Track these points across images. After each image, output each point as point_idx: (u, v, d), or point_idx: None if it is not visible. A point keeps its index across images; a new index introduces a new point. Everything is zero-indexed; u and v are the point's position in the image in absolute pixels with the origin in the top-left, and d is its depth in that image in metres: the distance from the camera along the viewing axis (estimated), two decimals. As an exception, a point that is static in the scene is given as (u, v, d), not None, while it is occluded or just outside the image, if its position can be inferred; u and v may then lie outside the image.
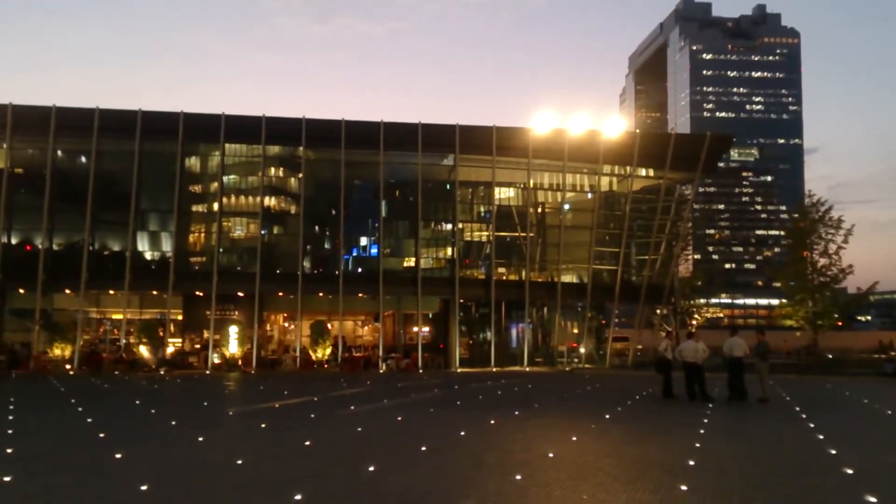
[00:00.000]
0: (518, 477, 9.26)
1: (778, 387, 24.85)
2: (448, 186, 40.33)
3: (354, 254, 41.71)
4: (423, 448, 11.41)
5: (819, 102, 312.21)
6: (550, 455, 10.95)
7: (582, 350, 41.55)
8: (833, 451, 11.43)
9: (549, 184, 41.91)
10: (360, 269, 41.47)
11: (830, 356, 55.54)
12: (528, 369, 38.40)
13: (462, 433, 13.19)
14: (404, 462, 10.45)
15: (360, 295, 40.14)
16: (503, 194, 41.70)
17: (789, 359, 51.57)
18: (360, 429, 13.93)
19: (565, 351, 41.54)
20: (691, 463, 10.31)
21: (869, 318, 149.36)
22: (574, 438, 12.70)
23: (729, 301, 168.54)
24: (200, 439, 12.78)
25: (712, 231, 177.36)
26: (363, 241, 41.65)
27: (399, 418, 15.82)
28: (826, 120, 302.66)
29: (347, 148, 37.35)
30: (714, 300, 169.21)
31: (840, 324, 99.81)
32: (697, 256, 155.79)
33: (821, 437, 13.05)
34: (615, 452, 11.56)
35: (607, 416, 16.10)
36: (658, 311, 44.77)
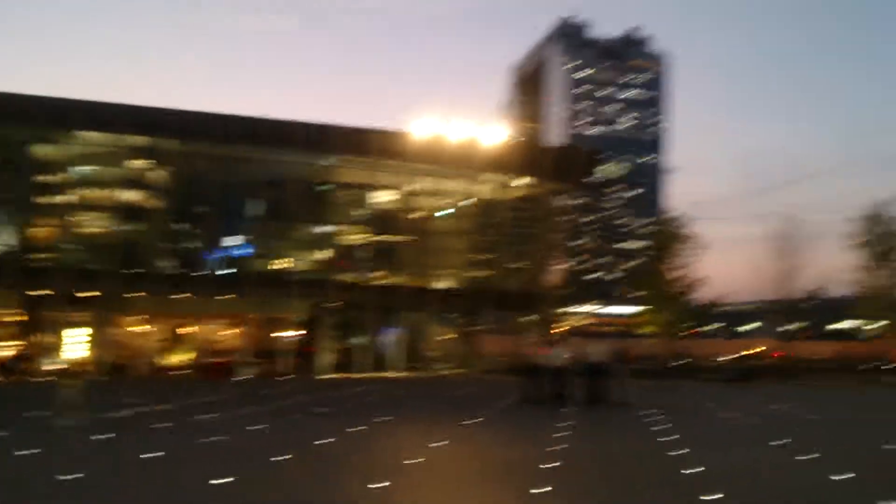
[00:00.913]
0: (386, 483, 9.10)
1: (638, 391, 25.89)
2: (324, 187, 39.70)
3: (222, 254, 40.07)
4: (288, 456, 11.01)
5: (682, 123, 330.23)
6: (420, 460, 10.93)
7: (454, 355, 41.84)
8: (677, 452, 11.95)
9: (427, 189, 42.07)
10: (226, 270, 39.93)
11: (683, 362, 58.80)
12: (400, 375, 38.29)
13: (329, 440, 12.89)
14: (265, 471, 10.02)
15: (226, 297, 38.59)
16: (381, 198, 41.49)
17: (647, 364, 54.12)
18: (213, 438, 13.24)
19: (440, 356, 41.69)
20: (548, 465, 10.49)
21: (718, 326, 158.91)
22: (444, 443, 12.70)
23: (595, 310, 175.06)
24: (20, 453, 11.23)
25: (582, 241, 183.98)
26: (232, 240, 40.13)
27: (260, 426, 15.25)
28: (688, 139, 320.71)
29: (220, 143, 35.93)
30: (582, 308, 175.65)
31: (696, 332, 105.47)
32: (568, 266, 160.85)
33: (668, 438, 13.63)
34: (482, 455, 11.65)
35: (477, 420, 16.20)
36: (530, 318, 45.84)
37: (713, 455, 12.08)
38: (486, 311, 43.03)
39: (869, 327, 64.10)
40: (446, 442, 12.90)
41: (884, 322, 61.79)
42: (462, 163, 39.75)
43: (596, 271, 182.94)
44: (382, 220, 40.84)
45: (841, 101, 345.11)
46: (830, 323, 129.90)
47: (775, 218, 59.29)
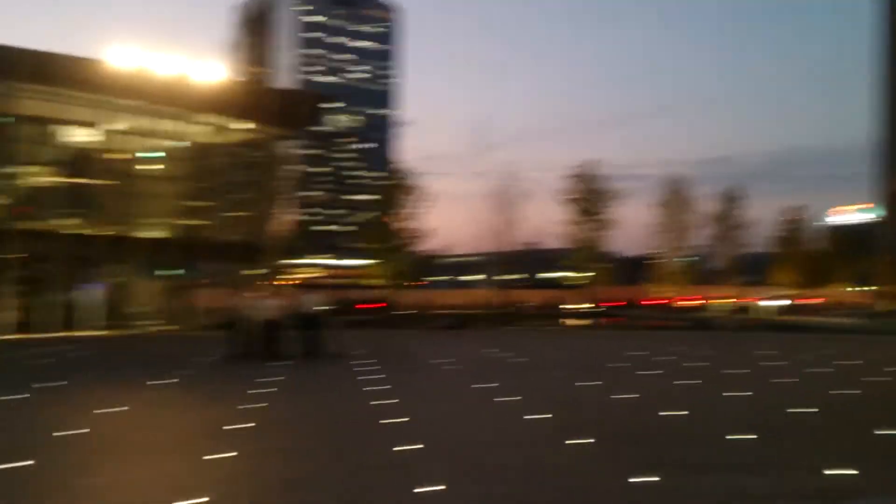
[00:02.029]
0: (28, 462, 7.41)
1: (356, 342, 25.55)
2: (1, 119, 34.07)
3: None
4: None
5: (416, 77, 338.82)
6: (82, 431, 9.37)
7: (164, 310, 38.69)
8: (387, 401, 11.50)
9: (132, 128, 37.94)
10: None
11: (407, 311, 60.54)
12: (98, 334, 34.51)
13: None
14: None
15: None
16: (74, 136, 36.64)
17: (371, 315, 54.87)
18: None
19: (147, 312, 38.29)
20: (246, 425, 9.47)
21: (445, 277, 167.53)
22: (120, 409, 11.07)
23: (327, 261, 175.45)
24: None
25: (313, 193, 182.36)
26: None
27: None
28: (421, 94, 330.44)
29: None
30: (313, 260, 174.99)
31: (424, 283, 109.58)
32: (298, 217, 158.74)
33: (380, 388, 13.20)
34: (167, 422, 10.29)
35: (173, 381, 14.55)
36: (255, 270, 43.81)
37: (420, 405, 11.86)
38: (201, 263, 40.16)
39: (577, 276, 70.56)
40: (125, 408, 11.24)
41: (589, 273, 68.55)
42: (173, 100, 36.18)
43: (327, 223, 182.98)
44: (77, 161, 36.17)
45: (565, 66, 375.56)
46: (545, 273, 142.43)
47: (497, 174, 62.57)
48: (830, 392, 13.07)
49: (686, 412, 10.60)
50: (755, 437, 8.70)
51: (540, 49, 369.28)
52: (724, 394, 12.71)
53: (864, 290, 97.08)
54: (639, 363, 18.51)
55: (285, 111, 39.98)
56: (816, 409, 10.90)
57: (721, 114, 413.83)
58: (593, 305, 67.76)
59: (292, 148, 46.05)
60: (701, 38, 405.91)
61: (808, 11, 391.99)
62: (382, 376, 15.21)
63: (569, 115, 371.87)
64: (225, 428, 9.49)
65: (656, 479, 6.75)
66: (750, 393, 12.76)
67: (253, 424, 9.63)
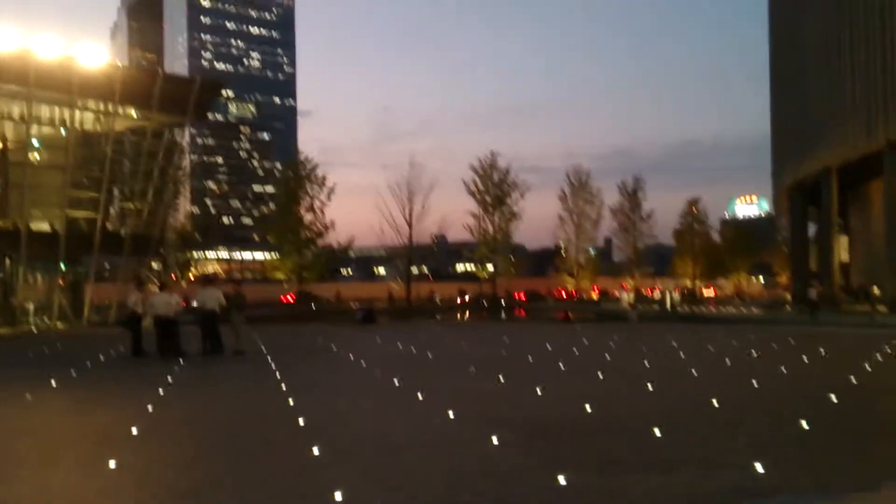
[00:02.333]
0: None
1: (259, 337, 24.64)
2: None
3: None
4: None
5: (314, 67, 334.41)
6: None
7: (53, 307, 36.44)
8: (291, 401, 10.89)
9: (11, 113, 35.46)
10: None
11: (313, 306, 59.51)
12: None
13: None
14: None
15: None
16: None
17: (275, 310, 53.64)
18: None
19: (34, 309, 35.93)
20: (134, 431, 8.67)
21: (351, 271, 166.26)
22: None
23: (227, 255, 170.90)
24: None
25: (211, 184, 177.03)
26: None
27: None
28: (321, 84, 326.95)
29: None
30: (211, 254, 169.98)
31: (335, 277, 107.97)
32: (196, 210, 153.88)
33: (284, 387, 12.57)
34: (42, 428, 9.37)
35: (54, 383, 13.45)
36: (150, 265, 41.89)
37: (324, 402, 11.31)
38: (92, 257, 38.00)
39: (485, 269, 70.85)
40: (10, 409, 10.23)
41: (495, 265, 69.02)
42: (56, 85, 34.00)
43: (228, 215, 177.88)
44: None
45: (466, 58, 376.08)
46: (452, 265, 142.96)
47: (401, 166, 62.17)
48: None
49: (595, 405, 10.48)
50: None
51: (442, 40, 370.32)
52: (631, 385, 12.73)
53: (759, 281, 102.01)
54: (546, 356, 18.50)
55: (176, 98, 38.18)
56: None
57: (620, 108, 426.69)
58: (499, 298, 68.34)
59: (186, 137, 44.11)
60: (600, 33, 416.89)
61: (709, 4, 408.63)
62: (285, 373, 14.56)
63: (471, 106, 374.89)
64: (109, 433, 8.72)
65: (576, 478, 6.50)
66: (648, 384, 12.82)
67: (139, 428, 8.86)
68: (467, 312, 60.22)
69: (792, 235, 64.54)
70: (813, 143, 53.27)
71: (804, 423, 8.69)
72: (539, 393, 11.72)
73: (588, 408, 10.08)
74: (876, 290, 39.49)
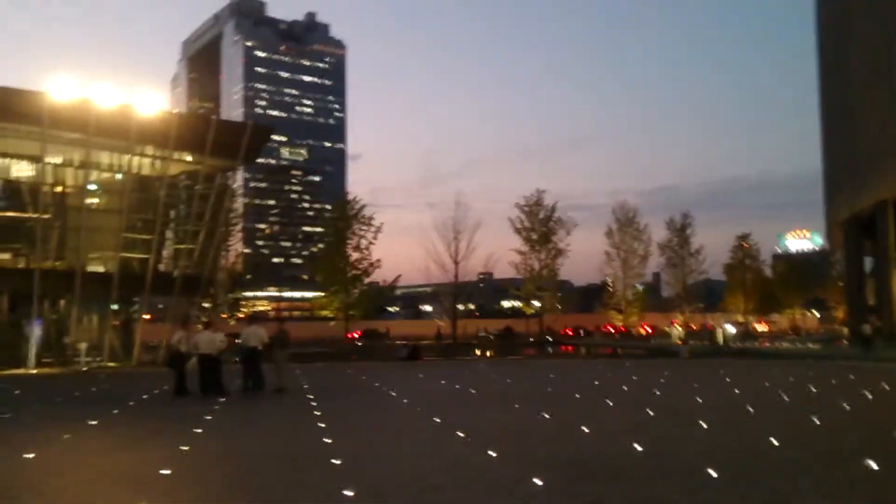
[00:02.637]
0: None
1: (303, 375, 24.51)
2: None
3: None
4: None
5: (363, 111, 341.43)
6: None
7: (104, 346, 36.96)
8: (330, 440, 10.61)
9: (71, 160, 36.48)
10: None
11: (361, 342, 59.48)
12: (34, 371, 32.72)
13: None
14: None
15: None
16: (11, 167, 35.15)
17: (324, 347, 53.72)
18: None
19: (87, 348, 36.46)
20: (166, 471, 8.46)
21: (398, 308, 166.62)
22: (29, 456, 9.87)
23: (276, 294, 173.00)
24: None
25: (262, 226, 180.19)
26: None
27: None
28: (369, 128, 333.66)
29: None
30: (262, 293, 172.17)
31: (381, 313, 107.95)
32: (247, 250, 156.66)
33: (323, 425, 12.31)
34: (75, 467, 9.22)
35: (94, 422, 13.39)
36: (200, 304, 42.39)
37: (365, 441, 10.99)
38: (143, 297, 38.62)
39: (531, 306, 70.04)
40: (50, 448, 10.13)
41: (541, 302, 68.21)
42: (113, 133, 34.94)
43: (279, 255, 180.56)
44: (16, 193, 34.62)
45: (510, 96, 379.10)
46: (497, 302, 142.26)
47: (447, 205, 62.23)
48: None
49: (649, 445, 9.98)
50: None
51: (486, 80, 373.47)
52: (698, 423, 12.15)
53: (814, 315, 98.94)
54: (593, 392, 17.95)
55: (227, 142, 38.88)
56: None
57: (666, 145, 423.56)
58: (546, 334, 67.48)
59: (237, 180, 44.87)
60: (646, 69, 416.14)
61: (754, 41, 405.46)
62: (325, 411, 14.31)
63: (515, 144, 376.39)
64: (141, 472, 8.55)
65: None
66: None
67: (172, 467, 8.67)
68: (516, 348, 59.49)
69: (847, 269, 62.42)
70: (867, 175, 51.71)
71: (871, 463, 8.09)
72: (586, 431, 11.25)
73: (637, 447, 9.59)
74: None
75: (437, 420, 12.82)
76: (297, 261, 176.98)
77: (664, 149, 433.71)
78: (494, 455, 9.14)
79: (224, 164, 40.91)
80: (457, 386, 20.44)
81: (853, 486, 7.43)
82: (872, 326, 39.36)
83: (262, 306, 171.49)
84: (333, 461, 8.92)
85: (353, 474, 8.10)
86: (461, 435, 10.99)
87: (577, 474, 8.18)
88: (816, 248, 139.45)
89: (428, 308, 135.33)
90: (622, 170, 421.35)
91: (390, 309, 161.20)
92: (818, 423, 11.81)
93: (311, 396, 17.59)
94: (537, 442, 10.57)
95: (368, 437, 11.50)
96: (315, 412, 14.33)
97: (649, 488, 7.49)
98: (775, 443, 9.74)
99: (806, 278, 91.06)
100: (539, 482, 7.58)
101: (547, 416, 13.17)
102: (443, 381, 22.10)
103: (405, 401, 16.51)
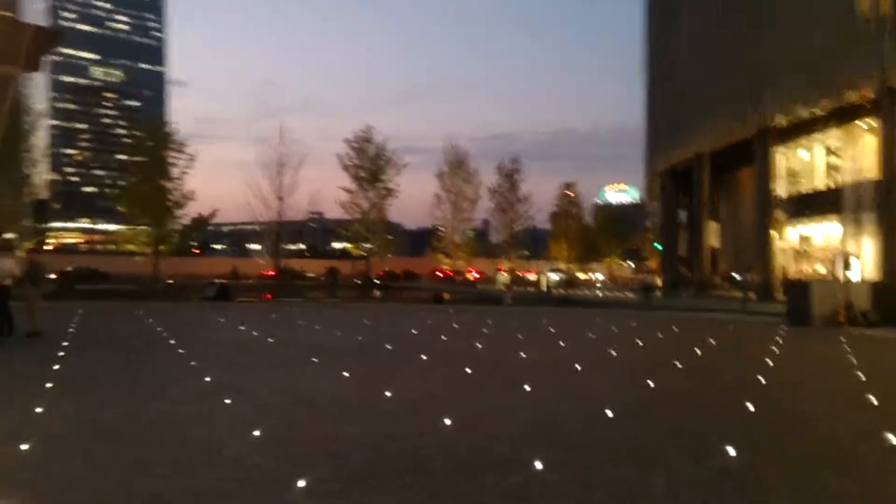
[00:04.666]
0: None
1: (84, 317, 20.98)
2: None
3: None
4: None
5: (187, 34, 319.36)
6: None
7: None
8: (39, 409, 7.80)
9: None
10: None
11: (170, 282, 54.78)
12: None
13: None
14: None
15: None
16: None
17: (125, 285, 48.91)
18: None
19: None
20: None
21: (224, 246, 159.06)
22: None
23: (90, 226, 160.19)
24: None
25: (72, 151, 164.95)
26: None
27: None
28: (195, 53, 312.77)
29: None
30: (73, 224, 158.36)
31: (197, 251, 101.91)
32: (55, 177, 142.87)
33: (50, 385, 9.38)
34: None
35: None
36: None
37: (108, 402, 8.21)
38: None
39: (362, 248, 67.47)
40: None
41: (371, 244, 65.82)
42: None
43: (91, 185, 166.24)
44: None
45: (351, 39, 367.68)
46: (327, 243, 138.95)
47: (278, 141, 57.78)
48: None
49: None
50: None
51: (331, 17, 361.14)
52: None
53: (629, 265, 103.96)
54: (409, 344, 16.04)
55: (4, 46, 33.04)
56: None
57: (502, 94, 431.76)
58: (372, 276, 65.71)
59: (15, 85, 38.65)
60: (488, 23, 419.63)
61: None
62: (67, 366, 11.32)
63: (353, 87, 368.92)
64: None
65: None
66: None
67: None
68: (336, 292, 57.13)
69: (663, 220, 65.00)
70: (685, 132, 53.41)
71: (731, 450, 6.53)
72: (388, 396, 9.16)
73: (447, 421, 7.57)
74: (736, 276, 39.41)
75: (208, 379, 10.25)
76: (113, 191, 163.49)
77: (504, 98, 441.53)
78: (257, 434, 6.78)
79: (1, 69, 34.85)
80: (254, 333, 17.81)
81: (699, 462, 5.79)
82: (752, 277, 40.51)
83: (73, 238, 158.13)
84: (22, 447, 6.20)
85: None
86: (227, 402, 8.53)
87: (361, 470, 5.99)
88: (633, 201, 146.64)
89: (256, 247, 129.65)
90: (460, 118, 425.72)
91: (216, 246, 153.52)
92: (652, 385, 10.43)
93: (66, 344, 14.37)
94: (320, 417, 8.22)
95: (97, 403, 8.65)
96: (53, 366, 11.26)
97: (450, 485, 5.44)
98: (610, 414, 8.09)
99: (623, 229, 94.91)
100: (302, 483, 5.34)
101: (346, 374, 10.97)
102: (242, 327, 19.40)
103: (181, 351, 13.70)
